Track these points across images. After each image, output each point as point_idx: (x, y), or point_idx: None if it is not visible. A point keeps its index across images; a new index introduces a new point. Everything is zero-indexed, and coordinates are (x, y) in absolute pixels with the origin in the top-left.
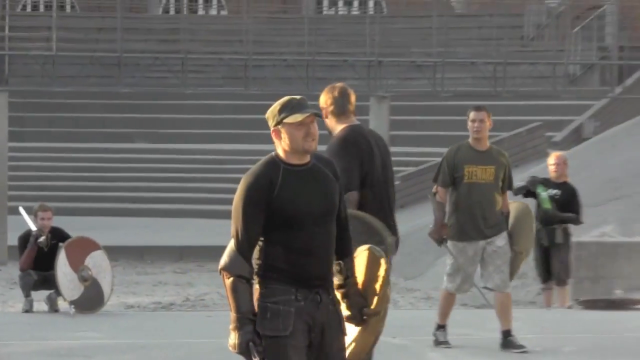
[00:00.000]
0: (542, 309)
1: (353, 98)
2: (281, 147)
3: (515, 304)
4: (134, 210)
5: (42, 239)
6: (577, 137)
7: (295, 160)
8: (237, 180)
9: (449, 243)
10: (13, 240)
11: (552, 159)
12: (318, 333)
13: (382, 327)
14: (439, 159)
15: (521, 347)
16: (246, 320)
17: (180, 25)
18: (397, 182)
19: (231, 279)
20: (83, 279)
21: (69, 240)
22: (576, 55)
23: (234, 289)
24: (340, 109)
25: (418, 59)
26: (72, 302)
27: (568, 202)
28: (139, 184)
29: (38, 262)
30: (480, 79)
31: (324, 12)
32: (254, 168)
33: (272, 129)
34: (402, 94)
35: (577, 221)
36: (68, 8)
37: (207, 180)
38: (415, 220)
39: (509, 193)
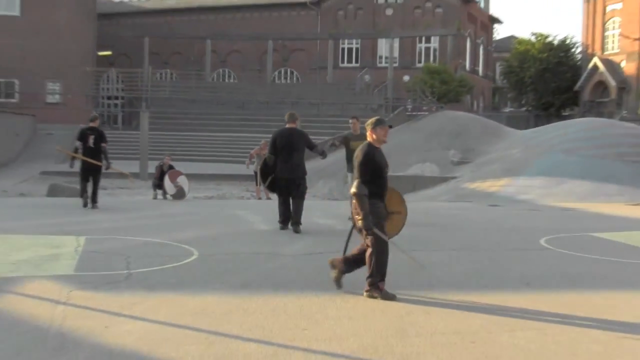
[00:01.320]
0: None
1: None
2: (374, 140)
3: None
4: (199, 159)
5: (161, 164)
6: None
7: (378, 145)
8: (244, 149)
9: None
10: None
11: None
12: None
13: (399, 222)
14: (318, 141)
15: None
16: (368, 214)
17: (217, 85)
18: None
19: (360, 196)
20: (176, 186)
21: (170, 170)
22: (375, 100)
23: (362, 200)
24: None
25: (312, 100)
26: (171, 195)
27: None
28: (200, 149)
29: (161, 177)
30: (337, 109)
31: (275, 81)
32: (365, 148)
33: (369, 132)
34: (305, 115)
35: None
36: (173, 78)
37: (227, 148)
38: (310, 165)
39: None
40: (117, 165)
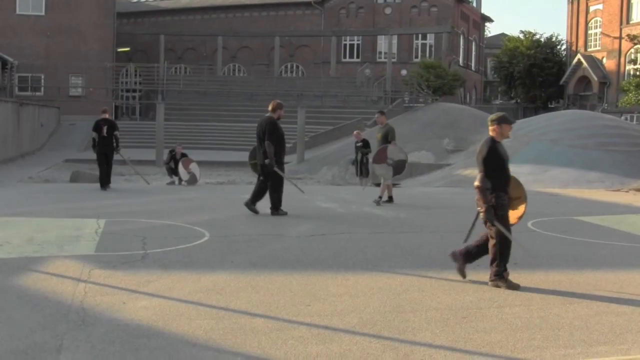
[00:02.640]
0: (359, 186)
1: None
2: (497, 135)
3: (350, 185)
4: (212, 147)
5: (173, 153)
6: (374, 123)
7: (500, 140)
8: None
9: None
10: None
11: (354, 133)
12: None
13: (521, 206)
14: (321, 130)
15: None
16: (490, 207)
17: (228, 79)
18: (306, 139)
19: (483, 190)
20: (189, 173)
21: (183, 158)
22: (375, 93)
23: (485, 194)
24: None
25: (316, 93)
26: (185, 181)
27: (365, 145)
28: (212, 139)
29: (175, 164)
30: (339, 101)
31: (282, 75)
32: (489, 142)
33: (492, 127)
34: (310, 106)
35: (368, 152)
36: (187, 72)
37: (237, 137)
38: (314, 153)
39: None
40: (133, 154)
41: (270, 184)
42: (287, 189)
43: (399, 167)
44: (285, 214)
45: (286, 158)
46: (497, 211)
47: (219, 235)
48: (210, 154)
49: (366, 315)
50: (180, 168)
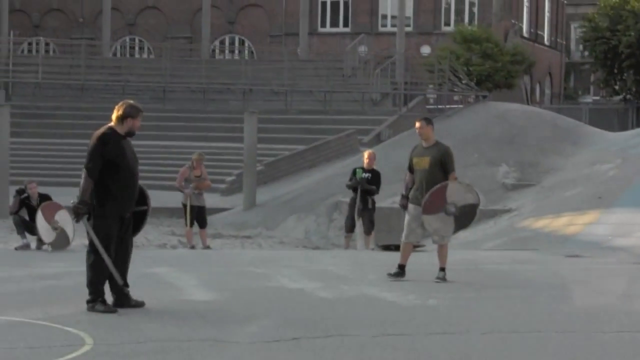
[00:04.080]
0: (355, 250)
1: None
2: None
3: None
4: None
5: (24, 195)
6: (377, 140)
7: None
8: (156, 164)
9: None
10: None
11: (365, 154)
12: None
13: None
14: (286, 153)
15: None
16: None
17: (122, 64)
18: (260, 168)
19: None
20: (54, 228)
21: (43, 203)
22: (377, 87)
23: None
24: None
25: (275, 87)
26: (49, 244)
27: (374, 181)
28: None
29: (30, 215)
30: (316, 101)
31: (216, 57)
32: None
33: None
34: (266, 110)
35: (376, 192)
36: (51, 52)
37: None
38: (273, 192)
39: None
40: None
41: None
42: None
43: (466, 217)
44: (112, 311)
45: (225, 200)
46: None
47: (108, 343)
48: None
49: None
50: (40, 220)
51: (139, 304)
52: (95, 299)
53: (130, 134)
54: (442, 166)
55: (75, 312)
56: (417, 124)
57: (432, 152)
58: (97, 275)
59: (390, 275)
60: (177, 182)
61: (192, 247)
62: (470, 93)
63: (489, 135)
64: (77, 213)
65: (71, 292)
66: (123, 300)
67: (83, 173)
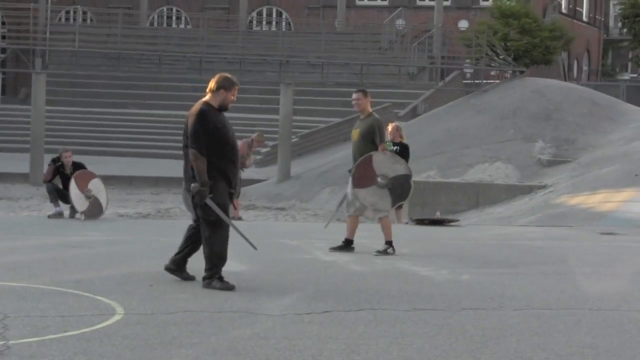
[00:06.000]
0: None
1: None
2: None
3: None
4: (125, 153)
5: (58, 163)
6: (413, 114)
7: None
8: None
9: None
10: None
11: (389, 127)
12: None
13: None
14: (321, 126)
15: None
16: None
17: (159, 34)
18: (295, 140)
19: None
20: (87, 197)
21: (76, 172)
22: (414, 61)
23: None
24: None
25: (312, 60)
26: (81, 212)
27: (402, 154)
28: (128, 135)
29: (64, 184)
30: (352, 74)
31: (253, 28)
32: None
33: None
34: (302, 83)
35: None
36: (88, 20)
37: (173, 134)
38: (308, 165)
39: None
40: None
41: (202, 228)
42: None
43: (401, 188)
44: (230, 288)
45: (259, 172)
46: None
47: (139, 313)
48: (125, 164)
49: None
50: (73, 189)
51: (190, 277)
52: (212, 275)
53: (223, 107)
54: (371, 137)
55: (107, 281)
56: (354, 95)
57: (362, 124)
58: (217, 250)
59: (332, 248)
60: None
61: (233, 218)
62: (507, 68)
63: (525, 111)
64: (201, 196)
65: (103, 260)
66: (181, 269)
67: (190, 154)
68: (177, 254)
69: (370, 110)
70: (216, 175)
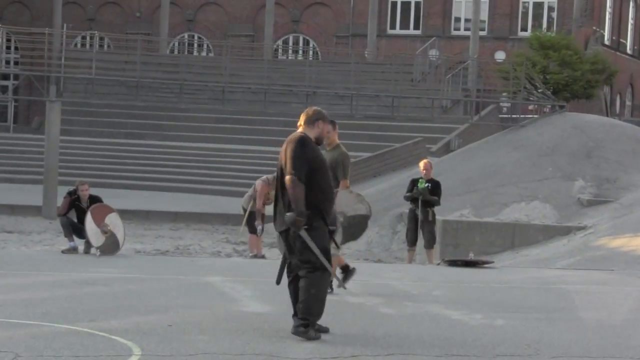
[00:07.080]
0: (420, 264)
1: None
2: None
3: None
4: (143, 186)
5: (74, 196)
6: (446, 149)
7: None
8: (213, 168)
9: None
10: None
11: (422, 165)
12: None
13: None
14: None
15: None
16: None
17: (180, 62)
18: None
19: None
20: (104, 232)
21: (93, 205)
22: (448, 94)
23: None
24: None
25: (340, 91)
26: (97, 247)
27: (434, 191)
28: (146, 167)
29: (79, 218)
30: (382, 107)
31: (279, 57)
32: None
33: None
34: (329, 115)
35: (437, 203)
36: (105, 46)
37: (193, 167)
38: None
39: None
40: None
41: (299, 263)
42: None
43: (354, 228)
44: (324, 331)
45: None
46: None
47: (157, 354)
48: (143, 197)
49: None
50: (89, 223)
51: (324, 329)
52: (309, 324)
53: (319, 140)
54: (334, 172)
55: (123, 320)
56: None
57: (328, 155)
58: (317, 295)
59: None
60: (258, 204)
61: (256, 256)
62: (546, 103)
63: (565, 147)
64: (298, 225)
65: (120, 299)
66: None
67: (287, 180)
68: (294, 314)
69: (338, 142)
70: (316, 211)
